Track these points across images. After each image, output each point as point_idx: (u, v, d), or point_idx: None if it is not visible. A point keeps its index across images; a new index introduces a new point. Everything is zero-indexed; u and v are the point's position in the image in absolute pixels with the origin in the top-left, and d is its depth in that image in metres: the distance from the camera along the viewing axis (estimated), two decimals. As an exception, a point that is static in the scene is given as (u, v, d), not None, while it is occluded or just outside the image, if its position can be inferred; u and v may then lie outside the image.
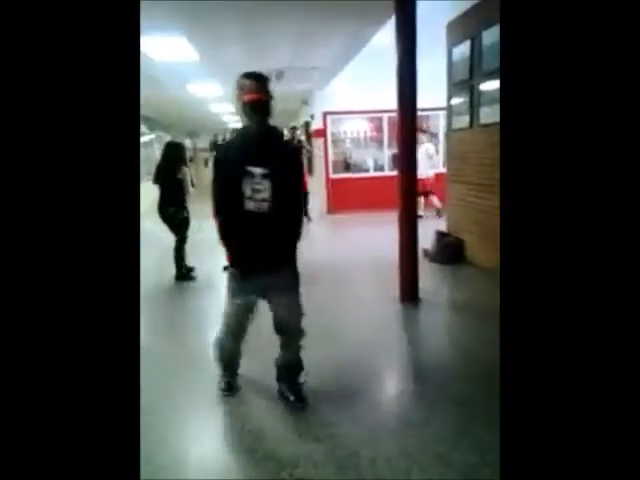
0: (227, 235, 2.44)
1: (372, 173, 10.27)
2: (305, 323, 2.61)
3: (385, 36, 6.49)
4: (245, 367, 2.91)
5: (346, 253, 6.65)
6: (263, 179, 2.27)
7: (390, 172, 10.01)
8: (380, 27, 5.77)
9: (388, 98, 7.05)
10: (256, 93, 2.31)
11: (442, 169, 8.69)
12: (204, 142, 27.04)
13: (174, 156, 5.25)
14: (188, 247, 5.41)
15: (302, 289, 2.61)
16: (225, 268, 5.70)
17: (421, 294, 4.39)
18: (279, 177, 2.31)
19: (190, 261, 5.49)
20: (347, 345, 3.51)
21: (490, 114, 4.86)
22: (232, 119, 17.44)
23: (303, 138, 8.93)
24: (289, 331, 2.59)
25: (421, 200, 8.80)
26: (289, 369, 2.71)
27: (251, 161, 2.28)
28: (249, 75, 2.37)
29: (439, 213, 8.68)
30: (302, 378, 2.74)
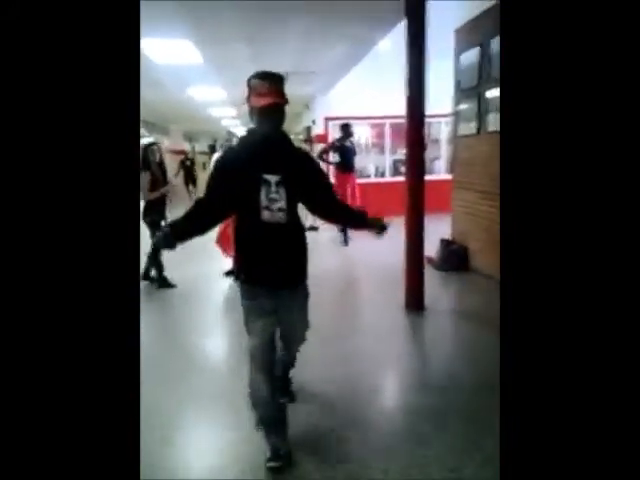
0: (242, 247, 2.20)
1: (373, 179, 10.25)
2: (309, 332, 2.53)
3: (389, 42, 6.47)
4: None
5: (351, 261, 6.60)
6: (278, 187, 2.05)
7: (391, 178, 10.01)
8: (387, 32, 5.75)
9: (389, 104, 6.98)
10: (271, 96, 2.00)
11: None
12: (203, 146, 27.03)
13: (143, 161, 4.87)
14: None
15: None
16: (227, 274, 5.65)
17: (426, 302, 4.33)
18: (294, 185, 2.09)
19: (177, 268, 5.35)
20: (354, 358, 3.44)
21: (498, 121, 4.81)
22: (232, 123, 17.41)
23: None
24: (295, 343, 2.50)
25: None
26: (284, 367, 2.68)
27: (267, 169, 2.05)
28: (262, 75, 2.05)
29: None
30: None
